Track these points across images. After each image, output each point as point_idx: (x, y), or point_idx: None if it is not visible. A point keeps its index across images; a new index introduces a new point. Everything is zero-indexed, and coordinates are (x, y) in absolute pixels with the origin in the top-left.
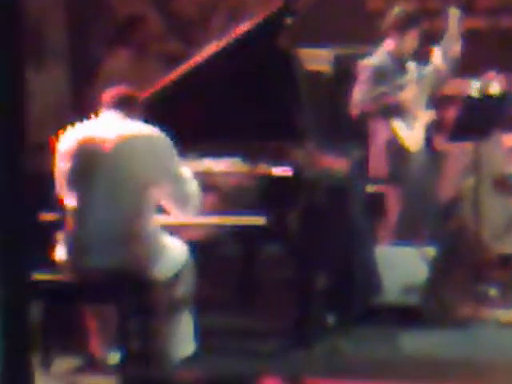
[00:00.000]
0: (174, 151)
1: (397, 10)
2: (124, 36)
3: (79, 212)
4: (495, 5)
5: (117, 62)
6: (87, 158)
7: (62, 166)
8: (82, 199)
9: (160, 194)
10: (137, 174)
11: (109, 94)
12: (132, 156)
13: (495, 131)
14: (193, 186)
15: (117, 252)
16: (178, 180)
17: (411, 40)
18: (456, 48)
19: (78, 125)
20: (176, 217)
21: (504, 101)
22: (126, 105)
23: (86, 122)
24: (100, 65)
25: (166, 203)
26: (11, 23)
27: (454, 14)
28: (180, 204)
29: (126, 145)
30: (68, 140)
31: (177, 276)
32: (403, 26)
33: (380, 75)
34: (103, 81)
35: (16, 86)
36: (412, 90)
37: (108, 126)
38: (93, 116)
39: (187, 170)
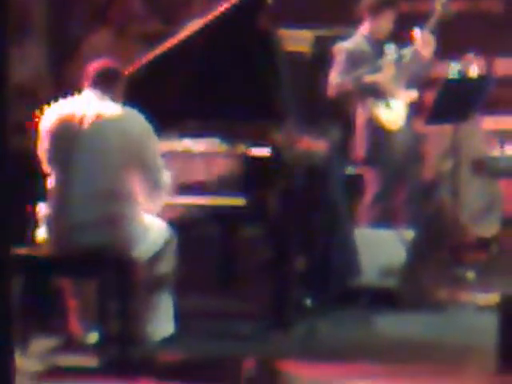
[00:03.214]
0: (153, 136)
1: None
2: (104, 15)
3: (59, 191)
4: None
5: (97, 41)
6: (65, 137)
7: (42, 144)
8: (60, 178)
9: (133, 179)
10: (113, 155)
11: (92, 67)
12: (107, 137)
13: (474, 114)
14: (166, 178)
15: (97, 232)
16: (151, 168)
17: (386, 22)
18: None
19: (58, 103)
20: (145, 205)
21: (483, 83)
22: (109, 79)
23: (65, 100)
24: (80, 43)
25: (138, 188)
26: None
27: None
28: (149, 192)
29: (103, 124)
30: (47, 119)
31: (157, 255)
32: (377, 8)
33: (356, 58)
34: (83, 59)
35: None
36: (389, 71)
37: (87, 105)
38: (74, 93)
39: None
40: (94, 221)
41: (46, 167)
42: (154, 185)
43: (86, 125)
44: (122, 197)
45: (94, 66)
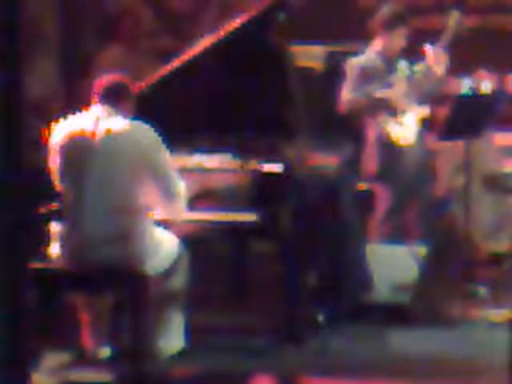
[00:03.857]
0: (163, 147)
1: (384, 9)
2: (115, 31)
3: (72, 207)
4: (486, 3)
5: (108, 57)
6: (76, 153)
7: (53, 161)
8: (73, 195)
9: (147, 191)
10: (124, 170)
11: (102, 82)
12: (119, 151)
13: (486, 130)
14: (180, 186)
15: (111, 248)
16: (164, 177)
17: (399, 38)
18: (440, 69)
19: (68, 119)
20: (162, 215)
21: (495, 99)
22: (118, 94)
23: (75, 115)
24: (92, 59)
25: (152, 201)
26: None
27: (454, 16)
28: (165, 202)
29: (113, 140)
30: (57, 135)
31: (170, 270)
32: (390, 24)
33: (368, 74)
34: (95, 75)
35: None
36: (401, 86)
37: (97, 121)
38: (83, 109)
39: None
40: (106, 236)
41: (58, 184)
42: (168, 194)
43: (96, 140)
44: (134, 211)
45: (103, 82)
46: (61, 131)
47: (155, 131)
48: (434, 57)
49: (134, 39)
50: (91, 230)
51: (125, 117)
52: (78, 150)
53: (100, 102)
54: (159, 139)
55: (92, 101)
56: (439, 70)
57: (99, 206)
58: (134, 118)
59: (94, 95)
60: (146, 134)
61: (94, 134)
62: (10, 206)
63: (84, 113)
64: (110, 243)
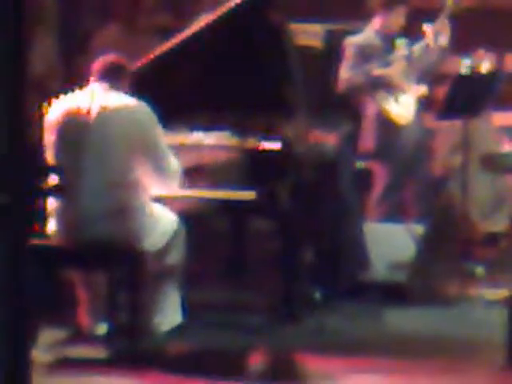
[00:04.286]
0: (157, 124)
1: None
2: (113, 9)
3: (68, 183)
4: None
5: (106, 36)
6: (72, 130)
7: (49, 137)
8: (70, 171)
9: (142, 166)
10: (120, 145)
11: (98, 62)
12: (114, 128)
13: (485, 109)
14: (174, 164)
15: (108, 224)
16: (157, 153)
17: (398, 17)
18: (444, 40)
19: (63, 96)
20: (156, 191)
21: (494, 79)
22: (114, 74)
23: (71, 93)
24: (90, 38)
25: (147, 177)
26: None
27: None
28: (159, 178)
29: (108, 116)
30: (54, 112)
31: (166, 246)
32: (389, 3)
33: (366, 52)
34: (93, 54)
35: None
36: (400, 65)
37: (93, 97)
38: (79, 87)
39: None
40: (103, 211)
41: (52, 160)
42: (161, 171)
43: (92, 116)
44: (131, 187)
45: (100, 61)
46: (57, 109)
47: (150, 108)
48: (439, 27)
49: (132, 17)
50: (88, 206)
51: (121, 94)
52: (75, 126)
53: (97, 81)
54: (154, 116)
55: (89, 81)
56: (443, 40)
57: (96, 182)
58: (131, 96)
59: (91, 75)
60: (142, 110)
61: (90, 110)
62: (7, 182)
63: (79, 91)
64: (107, 218)
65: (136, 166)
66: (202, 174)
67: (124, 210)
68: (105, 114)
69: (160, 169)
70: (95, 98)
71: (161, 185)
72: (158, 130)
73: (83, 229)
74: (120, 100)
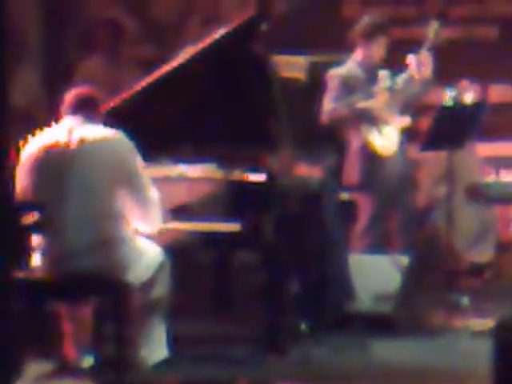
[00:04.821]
0: (137, 155)
1: (364, 19)
2: (96, 40)
3: (51, 218)
4: (469, 14)
5: (89, 67)
6: (52, 165)
7: (26, 175)
8: (51, 206)
9: (123, 197)
10: (102, 178)
11: (70, 95)
12: (96, 159)
13: (469, 140)
14: (154, 196)
15: (92, 256)
16: (137, 184)
17: (379, 48)
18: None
19: (38, 133)
20: (140, 227)
21: (478, 110)
22: (87, 106)
23: (46, 129)
24: (73, 69)
25: (129, 208)
26: None
27: (433, 26)
28: (141, 210)
29: (87, 148)
30: (31, 149)
31: (151, 279)
32: (369, 34)
33: (349, 84)
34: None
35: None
36: (383, 97)
37: (71, 130)
38: (53, 123)
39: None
40: (88, 244)
41: (32, 197)
42: (142, 202)
43: (71, 150)
44: (114, 218)
45: (72, 94)
46: (33, 146)
47: (129, 139)
48: (421, 59)
49: (114, 48)
50: (72, 239)
51: (97, 126)
52: (54, 161)
53: (71, 113)
54: (133, 147)
55: (62, 113)
56: (426, 72)
57: (79, 215)
58: (112, 127)
59: (65, 107)
60: (122, 141)
61: (68, 143)
62: None
63: (55, 126)
64: (91, 251)
65: (118, 197)
66: (187, 206)
67: (108, 241)
68: (84, 146)
69: (141, 199)
70: (73, 130)
71: (142, 217)
72: (138, 159)
73: (68, 262)
74: (97, 131)
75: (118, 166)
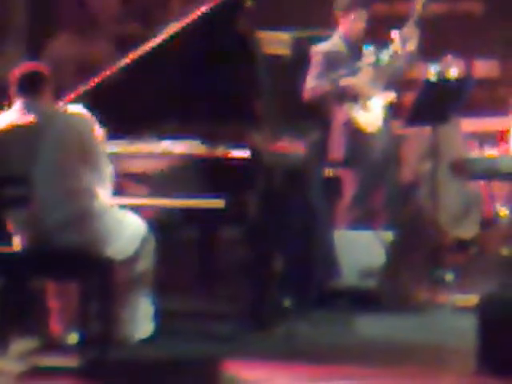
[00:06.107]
0: (94, 131)
1: None
2: (72, 17)
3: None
4: None
5: (55, 47)
6: (15, 148)
7: None
8: (24, 185)
9: (87, 173)
10: (67, 154)
11: (17, 72)
12: (58, 138)
13: (453, 116)
14: (109, 170)
15: (70, 232)
16: (97, 159)
17: (358, 21)
18: (412, 46)
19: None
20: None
21: (462, 85)
22: (35, 82)
23: (4, 112)
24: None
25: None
26: None
27: (420, 0)
28: (98, 184)
29: (47, 126)
30: None
31: (135, 254)
32: (348, 7)
33: (333, 59)
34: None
35: None
36: (367, 73)
37: (24, 111)
38: (6, 105)
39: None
40: (65, 220)
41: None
42: (101, 176)
43: (31, 130)
44: (84, 193)
45: (19, 71)
46: None
47: (89, 114)
48: (406, 33)
49: (88, 25)
50: (49, 217)
51: (47, 104)
52: (15, 144)
53: (19, 92)
54: (92, 122)
55: (12, 95)
56: (410, 46)
57: (52, 193)
58: (97, 106)
59: (12, 86)
60: (78, 118)
61: (25, 125)
62: None
63: (10, 109)
64: (69, 227)
65: (83, 173)
66: (171, 182)
67: (84, 215)
68: (41, 127)
69: (100, 174)
70: (26, 112)
71: (100, 191)
72: (97, 136)
73: (47, 241)
74: (51, 110)
75: (78, 142)
